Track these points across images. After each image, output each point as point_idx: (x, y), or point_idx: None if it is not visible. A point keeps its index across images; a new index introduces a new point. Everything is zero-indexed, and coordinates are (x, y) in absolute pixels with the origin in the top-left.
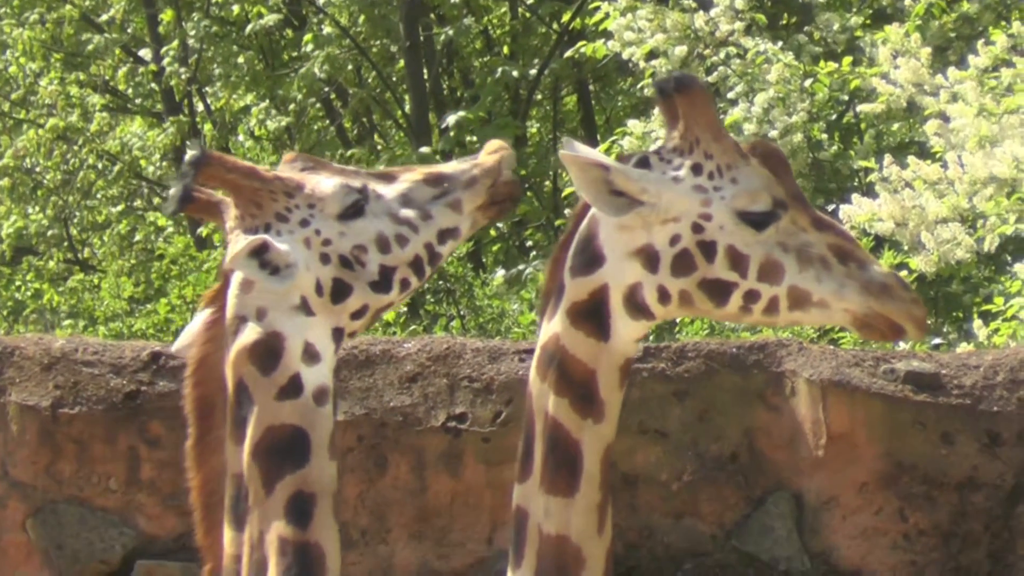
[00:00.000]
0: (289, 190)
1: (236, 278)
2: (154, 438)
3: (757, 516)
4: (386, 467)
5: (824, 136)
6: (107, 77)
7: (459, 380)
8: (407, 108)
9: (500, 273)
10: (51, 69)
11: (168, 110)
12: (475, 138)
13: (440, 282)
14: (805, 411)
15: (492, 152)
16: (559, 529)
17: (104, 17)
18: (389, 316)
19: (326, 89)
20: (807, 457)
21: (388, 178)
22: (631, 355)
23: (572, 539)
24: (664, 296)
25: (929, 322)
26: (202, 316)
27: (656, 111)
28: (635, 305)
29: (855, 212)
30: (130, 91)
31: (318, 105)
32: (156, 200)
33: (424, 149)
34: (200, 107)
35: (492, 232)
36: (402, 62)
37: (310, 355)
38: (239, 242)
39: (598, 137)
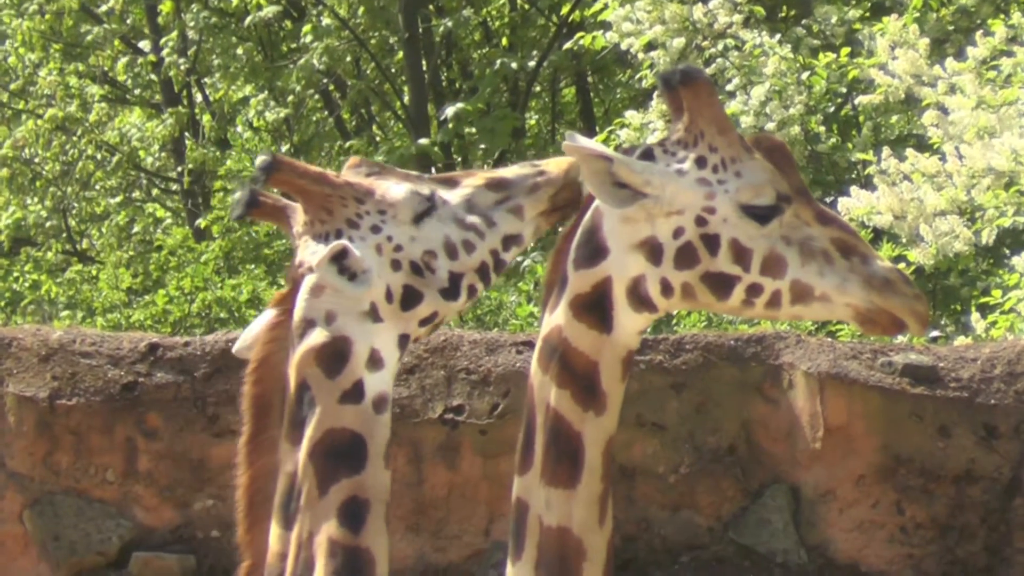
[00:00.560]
0: (359, 196)
1: (307, 282)
2: (151, 430)
3: (754, 509)
4: None
5: (822, 128)
6: (106, 68)
7: (456, 372)
8: (406, 99)
9: None
10: (50, 60)
11: (167, 101)
12: (473, 129)
13: None
14: (802, 404)
15: (558, 163)
16: (560, 521)
17: (103, 8)
18: None
19: (325, 80)
20: (804, 450)
21: (451, 183)
22: (633, 347)
23: (573, 531)
24: (667, 289)
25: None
26: (266, 317)
27: (654, 102)
28: (638, 297)
29: (853, 205)
30: (129, 82)
31: (317, 96)
32: (155, 191)
33: (423, 141)
34: (199, 98)
35: None
36: (401, 53)
37: (374, 361)
38: (308, 247)
39: (596, 128)
